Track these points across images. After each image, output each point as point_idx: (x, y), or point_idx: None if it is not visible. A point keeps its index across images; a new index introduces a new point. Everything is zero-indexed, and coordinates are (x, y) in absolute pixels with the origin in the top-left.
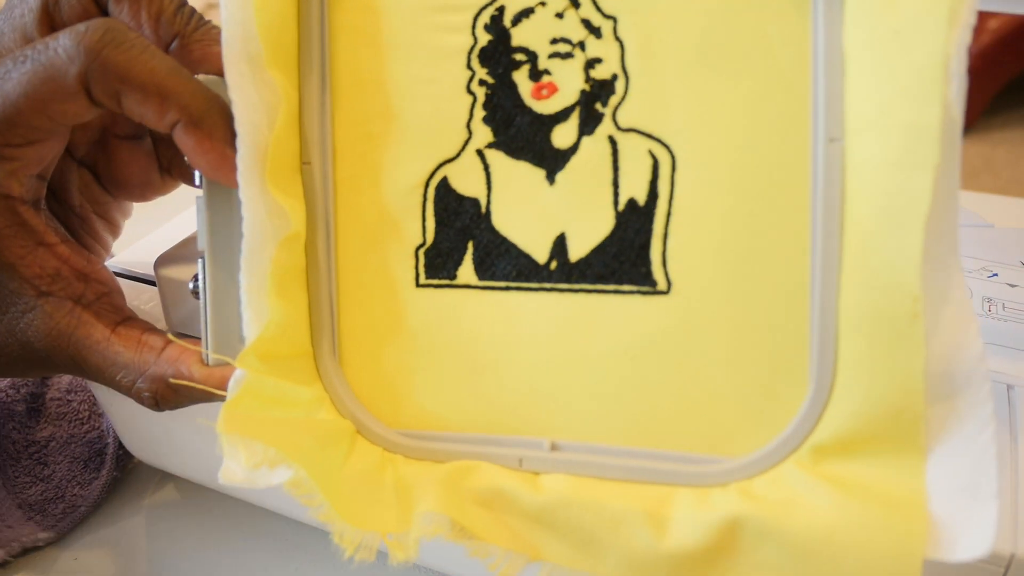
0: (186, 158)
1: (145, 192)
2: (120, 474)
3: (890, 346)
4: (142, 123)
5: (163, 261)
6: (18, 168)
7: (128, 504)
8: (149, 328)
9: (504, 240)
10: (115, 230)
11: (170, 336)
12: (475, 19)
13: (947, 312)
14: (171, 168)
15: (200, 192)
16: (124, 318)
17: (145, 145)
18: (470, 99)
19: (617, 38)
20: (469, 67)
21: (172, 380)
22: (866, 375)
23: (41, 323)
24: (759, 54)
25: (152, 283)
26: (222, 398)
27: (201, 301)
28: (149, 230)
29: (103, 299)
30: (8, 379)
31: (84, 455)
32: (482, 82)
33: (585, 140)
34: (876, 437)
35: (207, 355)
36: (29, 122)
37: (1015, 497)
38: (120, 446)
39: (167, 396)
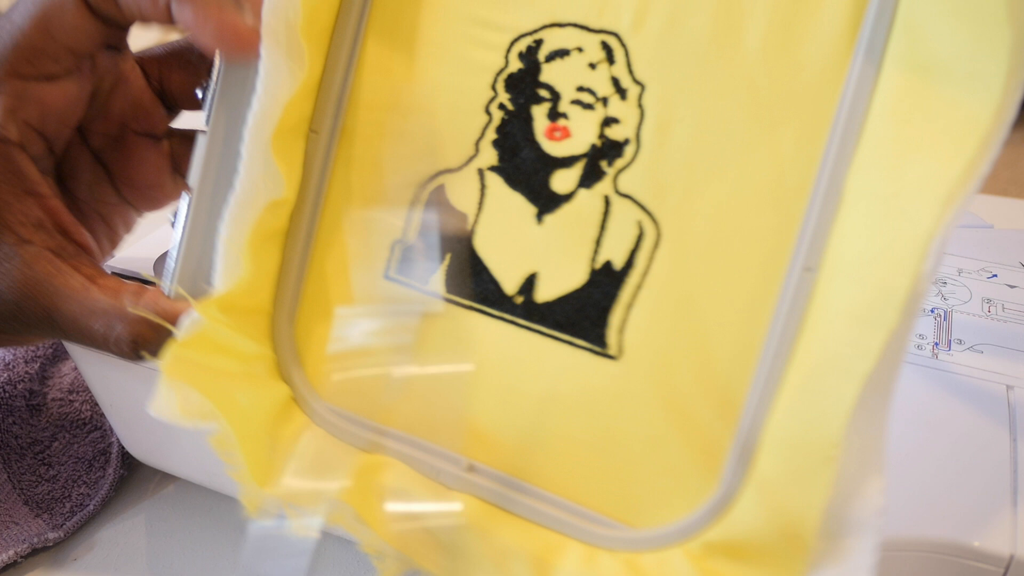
0: (191, 37)
1: (155, 193)
2: (127, 472)
3: (801, 477)
4: (142, 20)
5: (163, 262)
6: (18, 107)
7: (128, 504)
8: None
9: (480, 262)
10: (113, 237)
11: (147, 275)
12: (512, 44)
13: (862, 462)
14: (183, 170)
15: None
16: (103, 273)
17: (161, 146)
18: (486, 119)
19: (640, 105)
20: (493, 88)
21: (131, 308)
22: (772, 494)
23: (18, 272)
24: (768, 166)
25: (151, 284)
26: None
27: (175, 235)
28: (149, 231)
29: (83, 256)
30: (5, 374)
31: (88, 455)
32: (501, 106)
33: (582, 192)
34: (764, 552)
35: (170, 288)
36: (34, 44)
37: (1015, 497)
38: None
39: (146, 337)
